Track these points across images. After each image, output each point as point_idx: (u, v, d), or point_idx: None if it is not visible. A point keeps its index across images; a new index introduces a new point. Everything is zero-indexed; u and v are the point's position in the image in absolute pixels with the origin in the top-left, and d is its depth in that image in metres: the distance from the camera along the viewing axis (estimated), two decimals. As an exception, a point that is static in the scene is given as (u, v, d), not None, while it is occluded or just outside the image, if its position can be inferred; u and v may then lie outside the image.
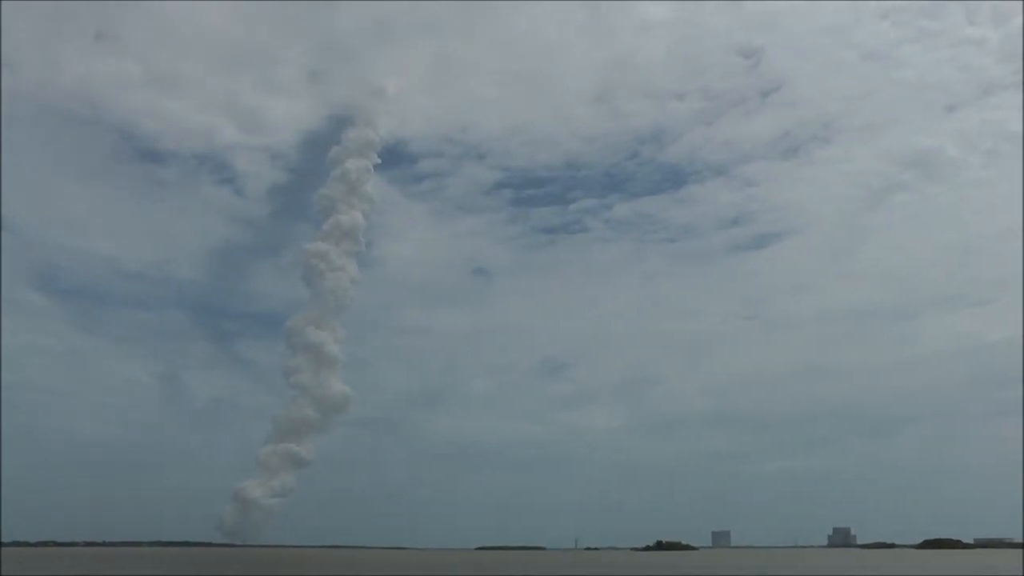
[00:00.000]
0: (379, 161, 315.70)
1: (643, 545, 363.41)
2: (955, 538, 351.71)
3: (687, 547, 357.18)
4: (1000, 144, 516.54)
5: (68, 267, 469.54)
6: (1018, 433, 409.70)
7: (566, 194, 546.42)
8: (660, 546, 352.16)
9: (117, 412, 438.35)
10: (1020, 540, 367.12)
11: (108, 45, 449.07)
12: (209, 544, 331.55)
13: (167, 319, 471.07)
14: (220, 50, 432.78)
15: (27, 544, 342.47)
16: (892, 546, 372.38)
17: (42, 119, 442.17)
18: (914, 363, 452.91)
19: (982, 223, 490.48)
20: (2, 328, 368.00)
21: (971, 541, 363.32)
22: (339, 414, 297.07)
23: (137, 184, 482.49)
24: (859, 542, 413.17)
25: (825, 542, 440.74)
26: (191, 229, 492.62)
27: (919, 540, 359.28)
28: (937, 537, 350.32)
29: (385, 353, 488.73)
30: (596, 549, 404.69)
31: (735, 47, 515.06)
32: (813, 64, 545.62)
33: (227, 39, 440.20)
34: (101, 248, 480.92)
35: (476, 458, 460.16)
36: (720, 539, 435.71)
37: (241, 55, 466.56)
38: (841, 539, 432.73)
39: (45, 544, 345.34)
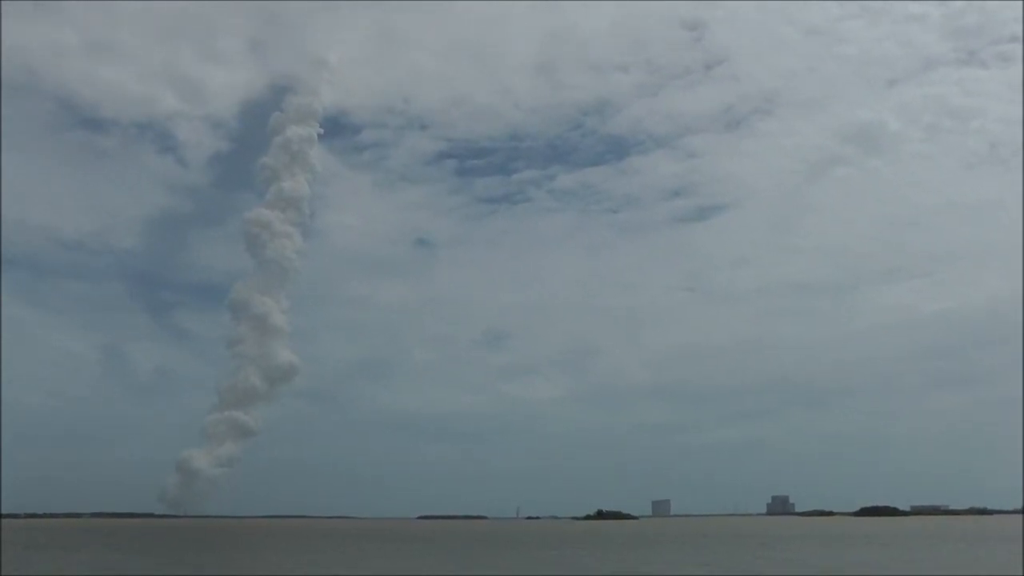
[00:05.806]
0: (321, 131, 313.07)
1: (584, 514, 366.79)
2: (892, 506, 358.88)
3: (627, 516, 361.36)
4: (941, 119, 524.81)
5: (6, 238, 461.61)
6: (952, 404, 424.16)
7: (509, 164, 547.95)
8: (600, 515, 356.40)
9: (57, 384, 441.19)
10: (954, 508, 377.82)
11: (45, 12, 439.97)
12: (151, 515, 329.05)
13: (108, 290, 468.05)
14: (160, 19, 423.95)
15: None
16: (830, 514, 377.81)
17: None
18: (852, 336, 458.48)
19: (922, 196, 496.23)
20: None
21: (907, 509, 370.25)
22: (285, 383, 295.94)
23: (76, 153, 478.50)
24: (797, 510, 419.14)
25: (764, 510, 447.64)
26: (132, 198, 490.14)
27: (856, 508, 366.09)
28: (874, 505, 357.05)
29: (328, 324, 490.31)
30: (537, 518, 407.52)
31: (679, 20, 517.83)
32: (756, 38, 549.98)
33: (167, 7, 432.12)
34: (40, 218, 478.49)
35: (418, 428, 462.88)
36: (660, 508, 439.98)
37: (182, 24, 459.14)
38: (780, 507, 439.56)
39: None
